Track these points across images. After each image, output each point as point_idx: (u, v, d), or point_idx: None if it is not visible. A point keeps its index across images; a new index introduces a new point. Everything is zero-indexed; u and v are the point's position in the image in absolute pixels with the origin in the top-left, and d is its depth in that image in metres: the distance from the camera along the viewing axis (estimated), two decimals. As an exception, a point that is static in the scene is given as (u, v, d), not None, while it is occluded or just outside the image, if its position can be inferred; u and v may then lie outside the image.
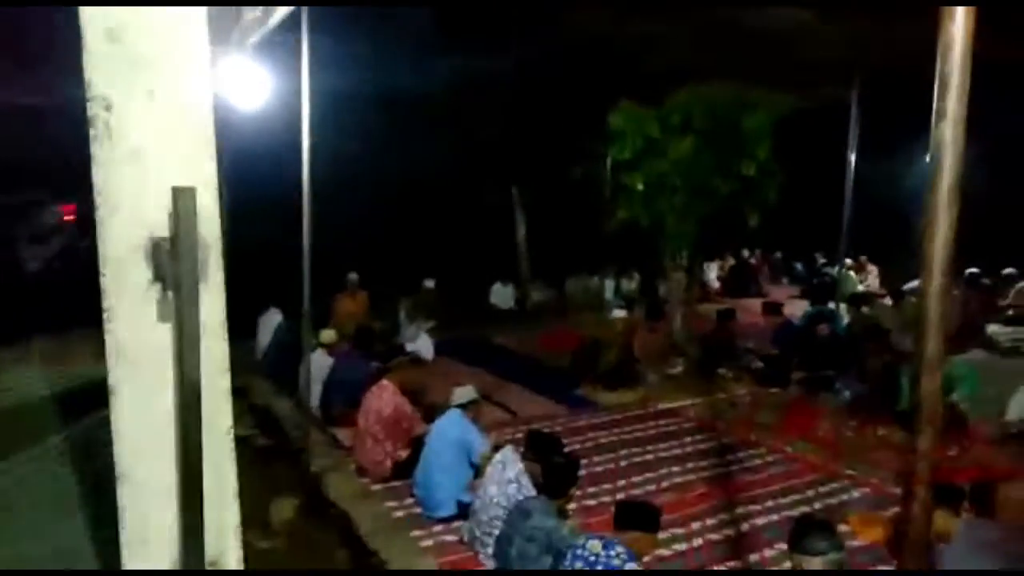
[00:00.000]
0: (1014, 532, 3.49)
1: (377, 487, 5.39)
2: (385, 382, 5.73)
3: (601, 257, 13.74)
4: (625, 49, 10.27)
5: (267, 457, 6.28)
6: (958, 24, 1.64)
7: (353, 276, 10.34)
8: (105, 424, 1.79)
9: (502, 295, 12.72)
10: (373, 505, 5.12)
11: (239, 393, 7.57)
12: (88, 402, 6.07)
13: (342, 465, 5.78)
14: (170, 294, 1.71)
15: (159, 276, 1.71)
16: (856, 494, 5.25)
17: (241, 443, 6.58)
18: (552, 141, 12.98)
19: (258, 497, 5.32)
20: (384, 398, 5.60)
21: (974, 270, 10.77)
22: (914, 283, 10.47)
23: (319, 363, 6.84)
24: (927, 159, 1.71)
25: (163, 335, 1.75)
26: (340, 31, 7.28)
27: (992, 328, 10.19)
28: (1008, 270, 11.91)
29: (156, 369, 1.76)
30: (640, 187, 9.16)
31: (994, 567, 3.18)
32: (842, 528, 4.66)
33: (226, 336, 1.87)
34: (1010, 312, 10.88)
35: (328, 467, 5.70)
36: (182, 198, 1.68)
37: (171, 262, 1.69)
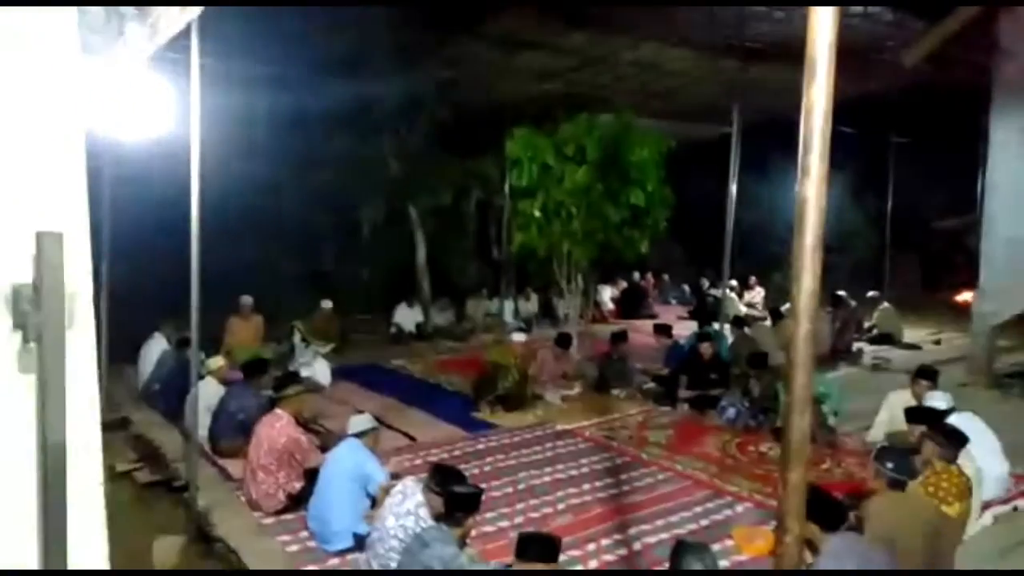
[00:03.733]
0: (879, 545, 3.78)
1: (269, 521, 5.20)
2: (279, 411, 5.56)
3: (500, 278, 13.94)
4: (521, 78, 10.54)
5: (150, 494, 5.96)
6: (819, 89, 1.82)
7: (246, 299, 9.96)
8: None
9: (407, 316, 12.58)
10: (265, 540, 4.94)
11: (120, 425, 7.18)
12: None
13: (231, 499, 5.55)
14: (32, 345, 1.56)
15: (19, 325, 1.56)
16: (740, 509, 5.52)
17: (122, 479, 6.22)
18: (452, 164, 13.11)
19: (140, 536, 5.03)
20: (277, 428, 5.42)
21: (840, 293, 11.63)
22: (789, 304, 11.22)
23: (208, 392, 6.56)
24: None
25: (24, 389, 1.59)
26: (232, 52, 7.08)
27: (858, 346, 11.07)
28: (871, 293, 12.96)
29: (16, 427, 1.59)
30: (537, 213, 9.38)
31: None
32: (727, 543, 4.92)
33: (96, 389, 1.72)
34: (874, 332, 11.85)
35: (216, 502, 5.45)
36: (47, 244, 1.55)
37: (34, 311, 1.55)
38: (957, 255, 16.81)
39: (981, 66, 9.41)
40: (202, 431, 6.24)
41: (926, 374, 6.31)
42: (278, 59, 8.77)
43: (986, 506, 5.22)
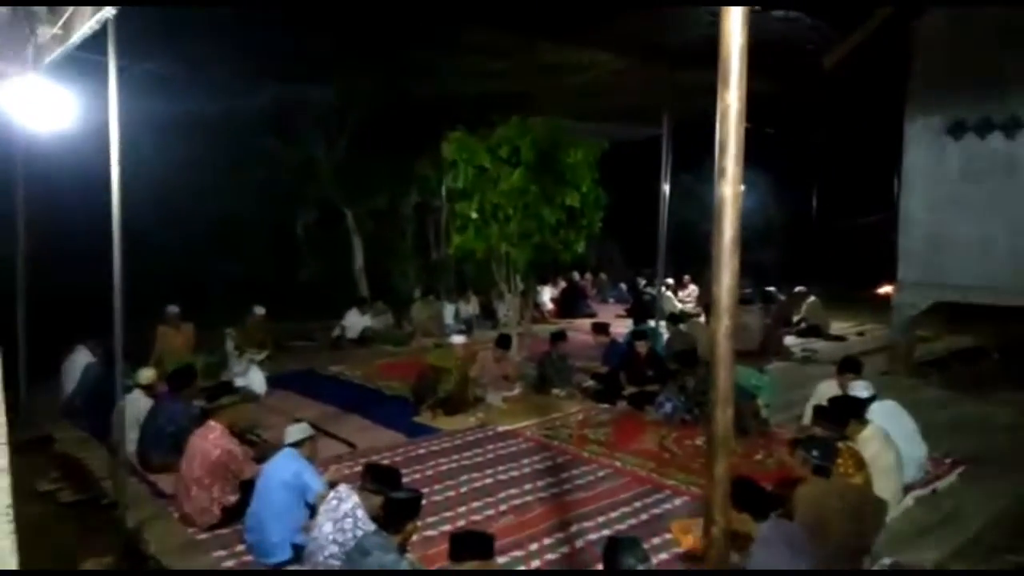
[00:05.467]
0: (807, 529, 3.93)
1: (204, 536, 5.05)
2: (212, 423, 5.39)
3: (439, 281, 13.88)
4: (454, 80, 10.53)
5: (76, 513, 5.71)
6: (732, 93, 1.88)
7: (172, 308, 9.62)
8: None
9: (356, 322, 12.32)
10: (199, 556, 4.80)
11: (42, 443, 6.86)
12: None
13: (163, 516, 5.36)
14: None
15: None
16: (678, 502, 5.63)
17: (44, 500, 5.95)
18: (388, 165, 12.99)
19: (66, 559, 4.82)
20: (211, 440, 5.27)
21: (770, 288, 12.02)
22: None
23: (137, 405, 6.33)
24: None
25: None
26: (153, 53, 6.84)
27: (788, 340, 11.45)
28: (798, 287, 13.42)
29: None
30: (474, 215, 9.39)
31: (791, 560, 3.56)
32: (666, 536, 5.02)
33: (1, 411, 1.66)
34: (802, 325, 12.28)
35: (147, 519, 5.26)
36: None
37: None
38: (878, 250, 17.58)
39: (897, 66, 9.87)
40: (131, 446, 6.02)
41: (850, 365, 6.58)
42: (203, 60, 8.52)
43: (908, 489, 5.47)
